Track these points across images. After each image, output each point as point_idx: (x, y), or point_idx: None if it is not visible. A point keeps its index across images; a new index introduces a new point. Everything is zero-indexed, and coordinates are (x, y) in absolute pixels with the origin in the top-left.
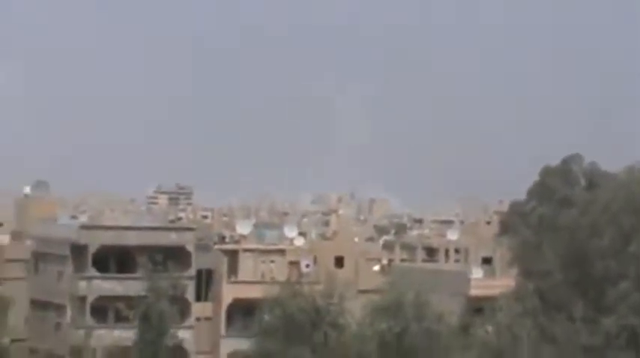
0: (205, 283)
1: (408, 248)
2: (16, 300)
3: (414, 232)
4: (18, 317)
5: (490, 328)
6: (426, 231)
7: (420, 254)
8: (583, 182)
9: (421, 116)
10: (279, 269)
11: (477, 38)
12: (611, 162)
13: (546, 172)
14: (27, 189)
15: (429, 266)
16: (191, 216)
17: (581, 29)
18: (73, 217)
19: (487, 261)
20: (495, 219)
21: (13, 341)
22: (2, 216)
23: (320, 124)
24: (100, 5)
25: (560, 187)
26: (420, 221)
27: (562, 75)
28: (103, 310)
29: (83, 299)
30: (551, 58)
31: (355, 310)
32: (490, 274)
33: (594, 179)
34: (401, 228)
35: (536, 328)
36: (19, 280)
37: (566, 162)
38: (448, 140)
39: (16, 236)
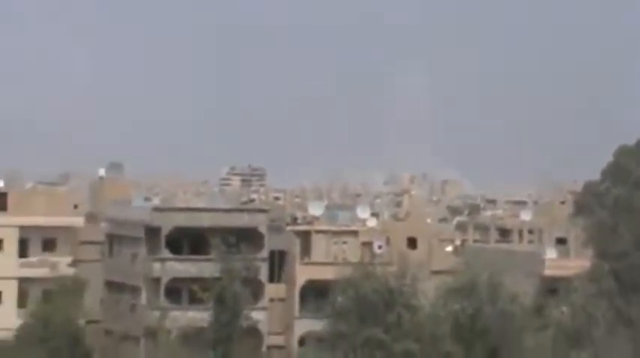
0: (278, 264)
1: (482, 228)
2: (91, 282)
3: (488, 213)
4: (93, 298)
5: (565, 309)
6: (500, 212)
7: (494, 234)
8: None
9: (492, 96)
10: (351, 251)
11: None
12: None
13: (621, 152)
14: (101, 171)
15: (503, 246)
16: (263, 198)
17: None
18: (147, 199)
19: (561, 241)
20: (569, 199)
21: (88, 322)
22: (77, 198)
23: (390, 106)
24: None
25: (635, 168)
26: (493, 201)
27: None
28: (177, 291)
29: (157, 280)
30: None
31: (428, 291)
32: (564, 255)
33: None
34: (474, 209)
35: (612, 309)
36: (94, 262)
37: None
38: (518, 119)
39: (91, 218)
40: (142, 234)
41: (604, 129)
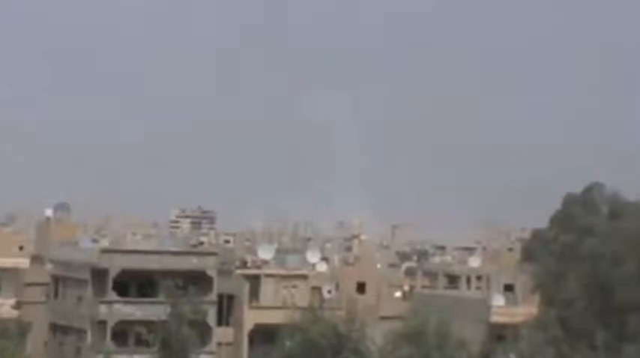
0: (227, 308)
1: (430, 274)
2: (36, 324)
3: (436, 259)
4: (37, 341)
5: (512, 356)
6: (448, 258)
7: (442, 281)
8: (605, 211)
9: (440, 135)
10: (300, 295)
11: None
12: (634, 191)
13: (568, 200)
14: (48, 212)
15: (451, 293)
16: (213, 241)
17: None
18: (95, 241)
19: (509, 288)
20: (517, 246)
21: None
22: (22, 239)
23: (330, 147)
24: None
25: (582, 216)
26: (442, 248)
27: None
28: (123, 334)
29: (103, 323)
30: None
31: (377, 337)
32: (512, 301)
33: (616, 208)
34: (423, 255)
35: (559, 356)
36: (38, 304)
37: (589, 190)
38: (469, 164)
39: (37, 259)
40: (88, 276)
41: (553, 177)
